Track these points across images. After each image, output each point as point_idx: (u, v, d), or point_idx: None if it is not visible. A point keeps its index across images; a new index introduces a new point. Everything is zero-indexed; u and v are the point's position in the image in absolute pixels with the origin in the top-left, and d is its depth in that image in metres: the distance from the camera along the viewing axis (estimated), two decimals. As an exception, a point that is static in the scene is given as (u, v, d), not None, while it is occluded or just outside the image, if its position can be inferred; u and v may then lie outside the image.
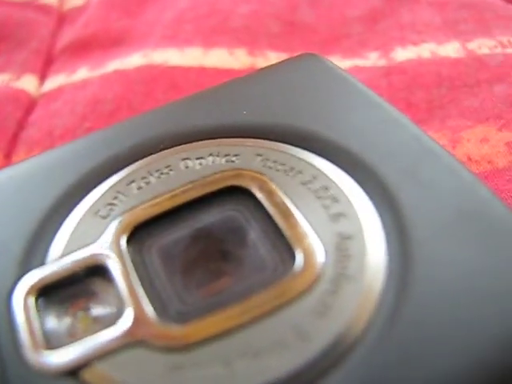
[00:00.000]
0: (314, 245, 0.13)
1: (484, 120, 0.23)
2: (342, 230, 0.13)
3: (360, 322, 0.12)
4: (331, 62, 0.18)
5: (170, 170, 0.15)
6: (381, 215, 0.13)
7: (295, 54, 0.26)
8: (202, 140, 0.16)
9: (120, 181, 0.15)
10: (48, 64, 0.29)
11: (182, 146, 0.16)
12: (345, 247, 0.13)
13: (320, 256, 0.13)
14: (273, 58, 0.26)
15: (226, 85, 0.18)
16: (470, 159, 0.21)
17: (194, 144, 0.16)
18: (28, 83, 0.28)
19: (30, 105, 0.27)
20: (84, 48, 0.29)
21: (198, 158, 0.15)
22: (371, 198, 0.14)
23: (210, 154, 0.15)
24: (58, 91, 0.27)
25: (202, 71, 0.26)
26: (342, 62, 0.26)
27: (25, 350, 0.12)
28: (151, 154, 0.16)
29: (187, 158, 0.15)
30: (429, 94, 0.24)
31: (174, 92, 0.24)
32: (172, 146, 0.16)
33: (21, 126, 0.26)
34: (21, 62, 0.29)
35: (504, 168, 0.21)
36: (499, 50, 0.25)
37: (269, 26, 0.28)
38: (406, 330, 0.11)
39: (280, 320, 0.12)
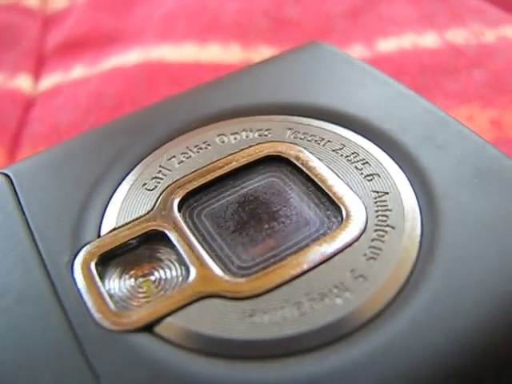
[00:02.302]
0: (356, 200, 0.14)
1: (467, 101, 0.25)
2: (376, 187, 0.15)
3: (407, 262, 0.13)
4: (335, 48, 0.20)
5: (208, 145, 0.16)
6: (406, 174, 0.15)
7: (286, 48, 0.28)
8: (233, 118, 0.17)
9: (161, 156, 0.16)
10: (40, 63, 0.30)
11: (216, 123, 0.17)
12: (383, 201, 0.14)
13: (361, 209, 0.14)
14: (265, 52, 0.28)
15: (246, 70, 0.19)
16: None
17: (227, 121, 0.17)
18: (23, 82, 0.28)
19: (27, 103, 0.27)
20: (76, 47, 0.30)
21: (232, 134, 0.16)
22: (395, 160, 0.15)
23: (244, 130, 0.16)
24: (57, 89, 0.27)
25: (199, 66, 0.27)
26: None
27: (95, 314, 0.13)
28: (187, 132, 0.17)
29: (222, 134, 0.16)
30: (414, 80, 0.26)
31: (175, 86, 0.25)
32: (205, 125, 0.17)
33: (22, 123, 0.26)
34: (12, 63, 0.29)
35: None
36: (473, 39, 0.27)
37: (258, 23, 0.29)
38: (446, 265, 0.13)
39: (337, 265, 0.13)
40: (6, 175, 0.16)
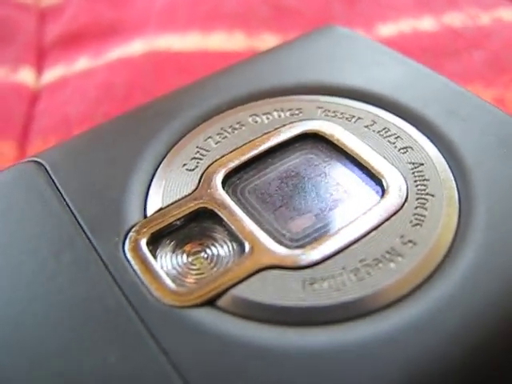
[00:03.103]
0: (394, 172, 0.15)
1: (470, 81, 0.25)
2: (412, 159, 0.15)
3: (450, 226, 0.14)
4: (351, 30, 0.21)
5: (242, 125, 0.17)
6: (437, 147, 0.16)
7: (288, 36, 0.28)
8: (261, 99, 0.17)
9: (196, 138, 0.16)
10: (42, 56, 0.29)
11: (246, 105, 0.17)
12: (420, 172, 0.15)
13: (401, 180, 0.15)
14: (269, 39, 0.28)
15: (268, 53, 0.19)
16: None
17: (256, 103, 0.17)
18: (26, 76, 0.28)
19: (33, 96, 0.27)
20: (77, 39, 0.30)
21: (264, 114, 0.17)
22: (425, 134, 0.16)
23: (275, 110, 0.17)
24: (62, 81, 0.27)
25: (205, 55, 0.27)
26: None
27: (154, 292, 0.13)
28: (218, 114, 0.17)
29: (255, 115, 0.17)
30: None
31: (184, 75, 0.26)
32: (235, 107, 0.17)
33: (29, 117, 0.26)
34: (13, 57, 0.29)
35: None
36: (470, 21, 0.28)
37: (259, 10, 0.29)
38: (487, 227, 0.13)
39: (386, 232, 0.13)
40: (39, 163, 0.16)
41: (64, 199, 0.15)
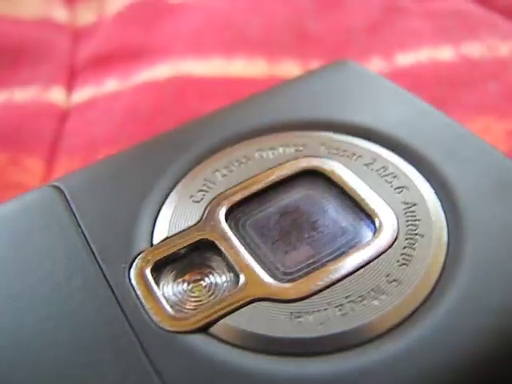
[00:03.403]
0: (387, 211, 0.16)
1: (483, 113, 0.26)
2: (406, 199, 0.16)
3: (436, 267, 0.14)
4: (364, 67, 0.21)
5: (248, 159, 0.18)
6: (432, 186, 0.16)
7: (307, 63, 0.29)
8: (269, 134, 0.18)
9: (205, 170, 0.17)
10: (73, 77, 0.31)
11: (253, 139, 0.18)
12: (412, 212, 0.16)
13: (393, 219, 0.15)
14: (288, 66, 0.29)
15: (278, 88, 0.20)
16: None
17: (264, 137, 0.18)
18: (57, 95, 0.30)
19: (62, 115, 0.29)
20: (106, 61, 0.31)
21: (270, 149, 0.18)
22: (421, 173, 0.17)
23: (281, 145, 0.18)
24: (91, 102, 0.29)
25: (226, 80, 0.28)
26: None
27: (153, 316, 0.14)
28: (227, 147, 0.18)
29: (261, 149, 0.18)
30: (431, 92, 0.27)
31: (204, 100, 0.27)
32: (244, 140, 0.18)
33: (58, 135, 0.28)
34: (45, 76, 0.31)
35: (505, 154, 0.24)
36: (488, 52, 0.29)
37: (281, 37, 0.31)
38: (473, 268, 0.14)
39: (373, 271, 0.14)
40: (58, 188, 0.18)
41: (79, 225, 0.16)
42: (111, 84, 0.30)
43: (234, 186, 0.17)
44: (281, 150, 0.18)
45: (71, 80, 0.31)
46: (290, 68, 0.29)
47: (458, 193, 0.16)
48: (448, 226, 0.15)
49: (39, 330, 0.14)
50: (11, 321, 0.14)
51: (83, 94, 0.30)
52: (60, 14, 0.35)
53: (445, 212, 0.16)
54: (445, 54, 0.29)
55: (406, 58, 0.29)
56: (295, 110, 0.19)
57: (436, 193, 0.16)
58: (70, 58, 0.32)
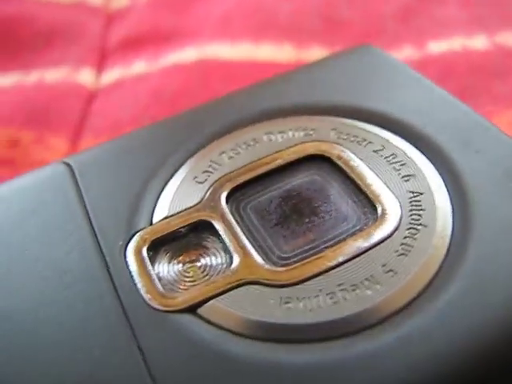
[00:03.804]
0: (391, 199, 0.15)
1: (513, 105, 0.25)
2: (412, 188, 0.15)
3: (436, 259, 0.14)
4: (385, 52, 0.21)
5: (256, 142, 0.17)
6: (442, 176, 0.16)
7: (336, 49, 0.28)
8: (281, 117, 0.18)
9: (212, 152, 0.17)
10: (103, 59, 0.31)
11: (264, 122, 0.18)
12: (417, 201, 0.15)
13: (397, 208, 0.15)
14: (316, 52, 0.29)
15: (295, 72, 0.20)
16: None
17: (275, 121, 0.18)
18: (86, 76, 0.30)
19: (89, 96, 0.29)
20: (136, 44, 0.31)
21: (279, 132, 0.18)
22: (432, 162, 0.16)
23: (290, 129, 0.18)
24: (118, 83, 0.29)
25: (253, 65, 0.28)
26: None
27: (144, 295, 0.14)
28: (238, 129, 0.18)
29: (270, 133, 0.18)
30: (461, 82, 0.26)
31: (230, 83, 0.27)
32: (256, 123, 0.18)
33: (84, 116, 0.28)
34: (77, 57, 0.31)
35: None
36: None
37: (311, 23, 0.30)
38: (476, 262, 0.13)
39: (370, 260, 0.14)
40: (68, 164, 0.18)
41: (83, 201, 0.16)
42: (139, 66, 0.30)
43: (239, 169, 0.17)
44: (290, 133, 0.17)
45: (101, 62, 0.31)
46: (317, 54, 0.29)
47: (468, 183, 0.15)
48: (454, 217, 0.15)
49: (35, 302, 0.14)
50: (8, 292, 0.14)
51: (112, 75, 0.30)
52: (95, -2, 0.36)
53: (452, 202, 0.15)
54: (478, 42, 0.28)
55: (437, 46, 0.28)
56: (310, 93, 0.19)
57: (445, 182, 0.16)
58: (101, 40, 0.32)
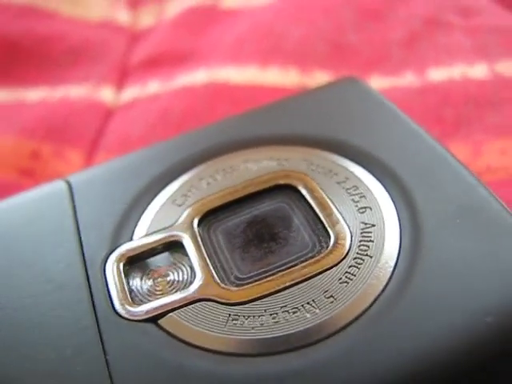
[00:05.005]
0: (344, 230, 0.16)
1: (505, 134, 0.26)
2: (366, 219, 0.17)
3: (375, 288, 0.15)
4: (368, 85, 0.22)
5: (233, 169, 0.19)
6: (397, 209, 0.17)
7: (340, 74, 0.30)
8: (259, 146, 0.20)
9: (193, 177, 0.19)
10: (123, 78, 0.34)
11: (242, 150, 0.20)
12: (368, 233, 0.16)
13: (348, 239, 0.16)
14: (319, 77, 0.30)
15: (279, 102, 0.22)
16: (489, 168, 0.24)
17: (252, 149, 0.20)
18: (106, 94, 0.32)
19: (107, 113, 0.31)
20: (155, 64, 0.34)
21: (255, 161, 0.19)
22: (391, 195, 0.17)
23: (265, 158, 0.19)
24: (134, 102, 0.31)
25: (260, 89, 0.29)
26: (381, 81, 0.29)
27: (115, 304, 0.16)
28: (217, 156, 0.20)
29: (246, 161, 0.19)
30: (457, 111, 0.27)
31: (235, 107, 0.28)
32: (236, 151, 0.20)
33: (100, 131, 0.30)
34: (100, 75, 0.34)
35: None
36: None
37: (317, 48, 0.31)
38: (414, 297, 0.15)
39: (313, 285, 0.15)
40: (68, 182, 0.20)
41: (76, 216, 0.19)
42: (154, 86, 0.32)
43: (214, 194, 0.18)
44: (265, 162, 0.19)
45: (121, 80, 0.33)
46: (321, 78, 0.30)
47: (420, 218, 0.16)
48: (400, 250, 0.16)
49: (20, 303, 0.16)
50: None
51: (129, 94, 0.32)
52: (123, 17, 0.38)
53: (401, 236, 0.16)
54: (478, 71, 0.29)
55: (438, 74, 0.29)
56: (287, 124, 0.20)
57: (398, 216, 0.17)
58: (123, 58, 0.35)
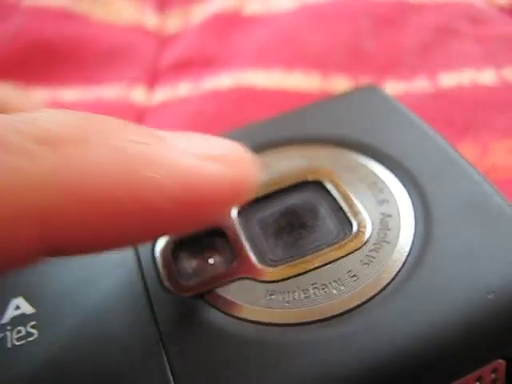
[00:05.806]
0: (365, 219, 0.19)
1: (510, 135, 0.28)
2: (384, 210, 0.19)
3: (393, 269, 0.17)
4: (385, 92, 0.24)
5: (268, 166, 0.21)
6: (412, 202, 0.19)
7: (357, 79, 0.32)
8: (290, 145, 0.22)
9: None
10: (154, 79, 0.36)
11: (276, 149, 0.22)
12: (386, 222, 0.19)
13: (368, 227, 0.19)
14: (339, 82, 0.32)
15: (306, 107, 0.24)
16: (494, 168, 0.26)
17: (285, 148, 0.22)
18: (138, 96, 0.35)
19: (139, 114, 0.34)
20: (183, 67, 0.36)
21: (287, 159, 0.22)
22: (406, 189, 0.20)
23: (296, 156, 0.22)
24: (164, 105, 0.34)
25: (284, 93, 0.32)
26: (395, 85, 0.32)
27: (165, 282, 0.18)
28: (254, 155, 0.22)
29: (279, 159, 0.22)
30: (466, 114, 0.30)
31: (261, 110, 0.30)
32: (269, 150, 0.22)
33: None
34: (132, 76, 0.36)
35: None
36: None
37: (336, 54, 0.34)
38: (425, 277, 0.17)
39: (339, 266, 0.18)
40: None
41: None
42: (184, 89, 0.34)
43: (253, 187, 0.21)
44: (295, 160, 0.22)
45: (153, 82, 0.36)
46: (341, 83, 0.32)
47: (432, 210, 0.19)
48: (414, 237, 0.18)
49: (84, 283, 0.19)
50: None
51: (160, 95, 0.35)
52: (151, 21, 0.41)
53: (416, 225, 0.19)
54: (487, 76, 0.31)
55: (449, 79, 0.31)
56: (316, 127, 0.23)
57: (413, 208, 0.19)
58: (153, 62, 0.37)
